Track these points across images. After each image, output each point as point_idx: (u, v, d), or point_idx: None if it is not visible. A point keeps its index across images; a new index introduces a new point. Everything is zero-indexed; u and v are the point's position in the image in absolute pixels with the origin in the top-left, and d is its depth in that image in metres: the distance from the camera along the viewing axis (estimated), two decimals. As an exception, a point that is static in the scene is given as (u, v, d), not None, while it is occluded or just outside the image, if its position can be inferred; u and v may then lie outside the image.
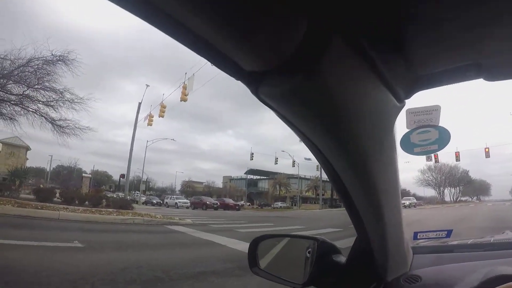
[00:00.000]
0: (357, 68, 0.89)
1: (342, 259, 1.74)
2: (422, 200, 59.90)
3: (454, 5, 0.78)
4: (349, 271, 1.70)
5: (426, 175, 69.23)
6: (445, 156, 64.10)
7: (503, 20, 0.83)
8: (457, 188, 72.84)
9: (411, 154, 1.42)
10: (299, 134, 1.08)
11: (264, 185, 76.85)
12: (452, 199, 69.59)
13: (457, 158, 44.78)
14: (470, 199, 71.23)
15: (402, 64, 0.97)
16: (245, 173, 74.78)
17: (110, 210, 21.30)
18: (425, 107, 1.36)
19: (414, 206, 43.87)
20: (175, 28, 0.72)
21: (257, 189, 76.72)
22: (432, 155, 45.52)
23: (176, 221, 20.84)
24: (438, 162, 51.61)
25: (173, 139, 64.41)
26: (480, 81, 1.13)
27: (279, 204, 61.37)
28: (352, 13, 0.77)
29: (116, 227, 15.92)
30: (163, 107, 34.12)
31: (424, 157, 48.59)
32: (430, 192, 70.96)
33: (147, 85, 40.63)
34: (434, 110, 1.36)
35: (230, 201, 50.35)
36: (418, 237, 2.43)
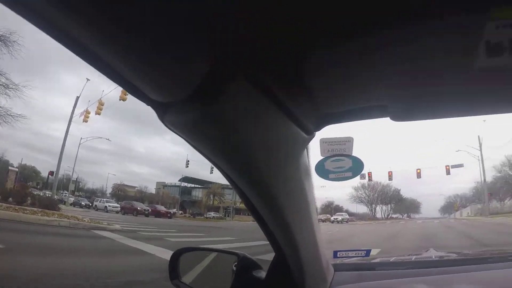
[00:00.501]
0: (261, 104, 0.94)
1: (263, 274, 1.75)
2: (354, 216, 61.38)
3: (352, 53, 0.87)
4: (269, 287, 1.71)
5: (360, 192, 71.15)
6: (379, 175, 66.32)
7: (403, 67, 0.93)
8: (389, 205, 75.20)
9: (326, 179, 1.47)
10: (209, 160, 1.14)
11: (198, 194, 75.96)
12: (383, 216, 71.73)
13: (390, 177, 46.81)
14: (401, 216, 73.59)
15: (308, 102, 1.06)
16: (179, 180, 73.39)
17: (35, 209, 20.35)
18: (339, 138, 1.41)
19: (347, 222, 44.87)
20: (88, 53, 0.73)
21: (190, 198, 75.45)
22: (366, 173, 47.14)
23: (104, 226, 20.15)
24: (372, 180, 53.28)
25: (108, 139, 61.93)
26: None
27: (212, 214, 60.98)
28: (256, 53, 0.81)
29: (40, 229, 15.26)
30: (101, 104, 33.17)
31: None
32: (362, 209, 72.87)
33: (88, 79, 39.19)
34: (347, 141, 1.42)
35: (162, 208, 49.12)
36: (338, 256, 2.46)
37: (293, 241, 1.46)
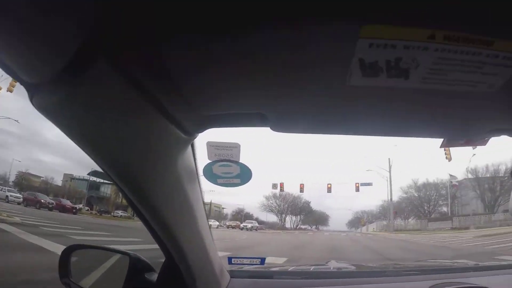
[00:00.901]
0: (130, 96, 0.90)
1: (155, 277, 1.71)
2: (264, 225, 62.73)
3: (222, 56, 0.85)
4: None
5: (271, 201, 72.70)
6: (291, 186, 68.26)
7: (276, 76, 0.93)
8: (299, 216, 77.33)
9: (215, 184, 1.44)
10: (85, 152, 1.06)
11: (107, 190, 72.49)
12: (292, 226, 73.68)
13: (302, 189, 48.52)
14: (310, 228, 76.02)
15: (183, 102, 1.04)
16: (88, 174, 70.27)
17: None
18: (226, 142, 1.39)
19: (256, 230, 45.63)
20: None
21: (98, 194, 72.50)
22: (278, 184, 48.37)
23: (3, 217, 19.01)
24: (283, 191, 54.75)
25: (17, 121, 58.11)
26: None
27: (120, 213, 59.48)
28: (122, 40, 0.77)
29: None
30: (14, 81, 30.88)
31: (270, 184, 51.42)
32: (272, 218, 74.39)
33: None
34: (234, 147, 1.40)
35: (67, 202, 46.85)
36: (232, 262, 2.44)
37: (179, 246, 1.46)
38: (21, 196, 44.20)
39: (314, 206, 77.92)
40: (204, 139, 1.34)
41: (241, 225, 47.54)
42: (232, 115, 1.17)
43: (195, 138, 1.26)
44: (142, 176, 1.14)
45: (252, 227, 46.12)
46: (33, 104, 0.86)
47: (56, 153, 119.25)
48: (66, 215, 36.57)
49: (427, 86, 0.92)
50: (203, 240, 1.58)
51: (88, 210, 58.96)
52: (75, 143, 1.00)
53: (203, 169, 1.41)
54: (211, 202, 67.79)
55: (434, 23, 0.76)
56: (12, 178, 69.80)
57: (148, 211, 1.30)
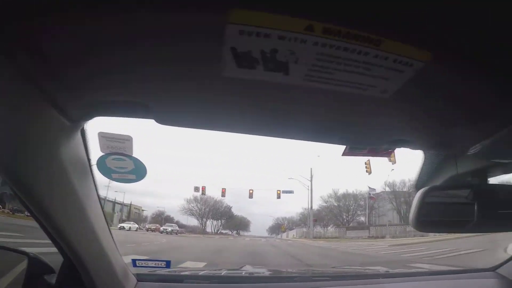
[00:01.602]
0: (5, 78, 0.85)
1: (55, 279, 1.59)
2: (185, 228, 61.65)
3: (95, 33, 0.80)
4: None
5: (192, 204, 71.47)
6: (213, 190, 67.74)
7: (161, 70, 0.91)
8: (220, 221, 76.65)
9: (109, 178, 1.40)
10: None
11: None
12: (213, 231, 72.89)
13: (223, 194, 48.18)
14: (231, 233, 75.47)
15: (67, 86, 0.98)
16: None
17: None
18: (118, 134, 1.35)
19: (176, 233, 44.75)
20: None
21: (11, 191, 67.82)
22: (200, 187, 47.87)
23: None
24: (205, 194, 54.26)
25: None
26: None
27: (34, 212, 56.52)
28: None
29: None
30: None
31: (192, 186, 50.92)
32: (193, 222, 73.33)
33: None
34: (127, 140, 1.36)
35: None
36: (137, 264, 2.40)
37: (72, 245, 1.39)
38: None
39: (236, 211, 77.41)
40: (99, 129, 1.29)
41: (161, 228, 46.38)
42: (116, 103, 1.12)
43: (81, 126, 1.21)
44: (23, 165, 1.07)
45: (172, 230, 45.11)
46: None
47: None
48: (-27, 213, 34.25)
49: (312, 85, 0.89)
50: (100, 239, 1.54)
51: (0, 208, 55.48)
52: None
53: (97, 162, 1.35)
54: (131, 204, 65.79)
55: (312, 14, 0.73)
56: None
57: (35, 206, 1.23)
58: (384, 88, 0.91)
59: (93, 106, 1.12)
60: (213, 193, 61.49)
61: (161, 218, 67.12)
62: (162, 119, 1.16)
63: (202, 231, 67.22)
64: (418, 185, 1.58)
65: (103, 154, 1.35)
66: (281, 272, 3.57)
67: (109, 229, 1.68)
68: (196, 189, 51.07)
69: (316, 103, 1.03)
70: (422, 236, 32.92)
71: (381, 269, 3.53)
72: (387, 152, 1.49)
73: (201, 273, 2.86)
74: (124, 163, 1.38)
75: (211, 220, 74.94)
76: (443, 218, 1.50)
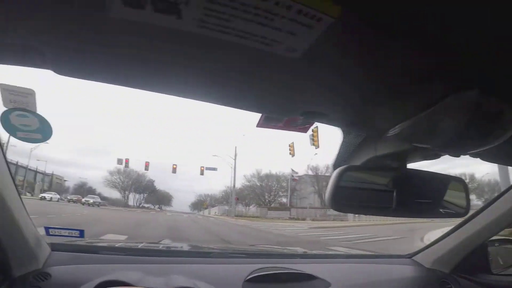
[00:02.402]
0: None
1: None
2: (107, 201, 60.74)
3: None
4: None
5: (115, 177, 70.48)
6: (137, 163, 66.95)
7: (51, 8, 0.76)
8: (142, 195, 76.08)
9: (14, 137, 1.32)
10: None
11: None
12: (135, 204, 72.26)
13: (146, 167, 48.04)
14: (153, 207, 75.14)
15: None
16: None
17: None
18: (19, 87, 1.26)
19: (98, 206, 44.11)
20: None
21: None
22: (124, 160, 47.07)
23: None
24: (128, 167, 53.61)
25: None
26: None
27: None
28: None
29: None
30: None
31: (115, 158, 49.99)
32: (116, 194, 72.23)
33: None
34: (29, 94, 1.26)
35: None
36: (50, 233, 2.33)
37: None
38: None
39: (158, 185, 77.24)
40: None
41: (83, 200, 45.50)
42: (5, 46, 0.94)
43: None
44: None
45: (94, 202, 44.40)
46: None
47: None
48: None
49: (210, 34, 0.78)
50: (9, 207, 1.48)
51: None
52: None
53: (1, 118, 1.26)
54: (53, 173, 64.13)
55: None
56: None
57: None
58: (291, 45, 0.81)
59: None
60: (137, 166, 60.96)
61: (83, 190, 65.79)
62: (60, 69, 1.00)
63: (124, 204, 66.58)
64: (336, 165, 1.57)
65: (7, 109, 1.26)
66: (200, 247, 3.57)
67: (19, 196, 1.62)
68: (119, 161, 50.41)
69: (219, 58, 0.91)
70: (342, 220, 34.24)
71: (299, 250, 3.60)
72: (304, 127, 1.46)
73: (117, 245, 2.80)
74: (28, 120, 1.30)
75: (134, 193, 74.52)
76: (359, 199, 1.49)
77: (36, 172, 59.91)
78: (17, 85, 1.15)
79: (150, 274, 1.85)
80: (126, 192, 72.71)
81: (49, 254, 1.94)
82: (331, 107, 1.22)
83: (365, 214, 1.73)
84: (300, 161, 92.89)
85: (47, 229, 2.35)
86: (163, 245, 3.09)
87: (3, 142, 1.27)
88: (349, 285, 2.29)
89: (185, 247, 3.13)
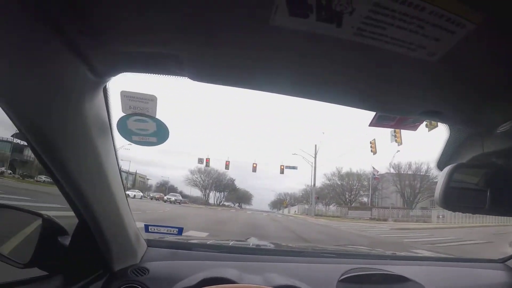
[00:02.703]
0: (29, 27, 0.81)
1: (69, 241, 1.65)
2: (188, 199, 62.24)
3: None
4: (73, 256, 1.63)
5: (195, 176, 71.95)
6: (217, 162, 68.26)
7: (198, 17, 0.83)
8: (222, 193, 77.23)
9: (129, 141, 1.36)
10: None
11: (31, 153, 67.75)
12: (215, 203, 73.50)
13: (227, 166, 48.31)
14: (233, 205, 76.14)
15: (93, 35, 0.92)
16: (12, 136, 66.71)
17: None
18: (141, 93, 1.30)
19: (179, 203, 45.14)
20: None
21: (22, 157, 68.83)
22: (204, 159, 48.12)
23: None
24: (209, 166, 54.58)
25: None
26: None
27: (43, 178, 56.85)
28: None
29: None
30: None
31: (196, 158, 51.28)
32: (196, 192, 73.83)
33: None
34: (150, 100, 1.31)
35: None
36: (149, 230, 2.42)
37: (90, 205, 1.40)
38: None
39: (239, 184, 77.90)
40: (120, 89, 1.25)
41: (165, 197, 46.71)
42: (145, 55, 1.04)
43: (106, 82, 1.16)
44: (46, 119, 1.04)
45: (176, 200, 45.36)
46: None
47: None
48: (-14, 178, 34.66)
49: (361, 40, 0.84)
50: (117, 201, 1.55)
51: (11, 173, 56.24)
52: None
53: (118, 123, 1.31)
54: (136, 172, 66.66)
55: None
56: None
57: (54, 163, 1.22)
58: (433, 50, 0.86)
59: (119, 58, 1.06)
60: (217, 165, 62.05)
61: (165, 188, 67.76)
62: (195, 75, 1.08)
63: (205, 202, 67.78)
64: (440, 163, 1.53)
65: (125, 114, 1.31)
66: (286, 246, 3.58)
67: (125, 192, 1.67)
68: (200, 160, 51.17)
69: (360, 62, 0.96)
70: (425, 222, 33.13)
71: (387, 252, 3.52)
72: (414, 125, 1.43)
73: (208, 242, 2.86)
74: (146, 125, 1.34)
75: (214, 191, 75.58)
76: (471, 198, 1.44)
77: (120, 171, 62.66)
78: (139, 92, 1.20)
79: (246, 272, 1.87)
80: (207, 191, 74.00)
81: (146, 250, 2.02)
82: (449, 105, 1.22)
83: (476, 214, 1.65)
84: (382, 159, 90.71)
85: (146, 226, 2.43)
86: (252, 244, 3.10)
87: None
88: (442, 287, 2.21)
89: (272, 246, 3.14)
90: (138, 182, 69.19)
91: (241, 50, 0.94)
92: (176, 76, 1.12)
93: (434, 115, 1.28)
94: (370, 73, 1.02)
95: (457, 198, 1.40)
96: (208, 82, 1.10)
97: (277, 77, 1.09)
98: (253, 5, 0.78)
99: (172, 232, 2.57)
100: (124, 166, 59.75)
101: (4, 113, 0.96)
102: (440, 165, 1.48)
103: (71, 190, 1.35)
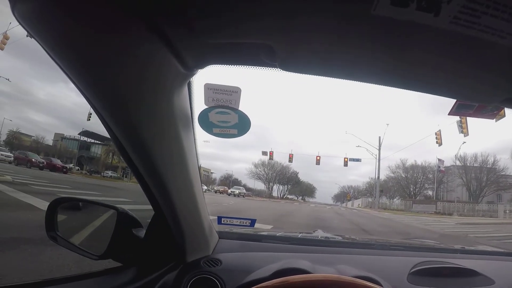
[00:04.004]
0: (123, 15, 0.83)
1: (143, 233, 1.69)
2: (251, 192, 62.84)
3: None
4: (147, 247, 1.67)
5: (259, 169, 72.51)
6: (281, 155, 68.42)
7: (292, 3, 0.79)
8: (286, 186, 77.40)
9: (210, 133, 1.36)
10: (74, 83, 0.99)
11: (97, 150, 71.80)
12: (279, 195, 73.75)
13: (290, 159, 48.33)
14: (296, 198, 76.21)
15: (186, 27, 0.91)
16: (79, 134, 68.26)
17: None
18: (225, 86, 1.29)
19: (243, 196, 45.53)
20: None
21: (89, 154, 70.61)
22: (268, 152, 48.28)
23: (-6, 176, 18.42)
24: (272, 159, 54.79)
25: (8, 79, 56.13)
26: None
27: (110, 173, 58.51)
28: None
29: None
30: (5, 38, 29.77)
31: (260, 151, 51.39)
32: (260, 186, 74.32)
33: (-5, 6, 35.44)
34: (234, 92, 1.30)
35: (58, 162, 45.68)
36: (222, 222, 2.44)
37: (170, 199, 1.43)
38: (12, 155, 44.26)
39: (302, 177, 78.13)
40: (203, 81, 1.25)
41: (229, 191, 47.12)
42: (235, 45, 1.03)
43: (194, 75, 1.16)
44: (134, 110, 1.07)
45: (239, 193, 45.68)
46: (14, 16, 0.80)
47: (47, 113, 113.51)
48: (56, 174, 36.13)
49: (456, 28, 0.81)
50: (195, 194, 1.58)
51: (78, 169, 58.48)
52: (63, 67, 0.93)
53: (199, 116, 1.31)
54: (200, 166, 68.10)
55: None
56: (3, 137, 68.80)
57: (138, 154, 1.26)
58: None
59: (210, 50, 1.06)
60: (281, 158, 62.26)
61: (229, 181, 68.75)
62: (287, 64, 1.03)
63: (268, 195, 68.16)
64: None
65: (207, 107, 1.32)
66: (352, 238, 3.54)
67: (201, 187, 1.70)
68: (264, 153, 51.42)
69: (450, 51, 0.93)
70: (491, 217, 31.88)
71: (456, 246, 3.41)
72: (493, 114, 1.38)
73: (278, 234, 2.88)
74: (228, 117, 1.34)
75: (278, 184, 75.88)
76: None
77: (199, 164, 64.26)
78: (222, 84, 1.21)
79: (317, 263, 1.87)
80: (270, 184, 74.41)
81: (218, 241, 2.05)
82: None
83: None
84: (447, 151, 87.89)
85: (219, 218, 2.45)
86: (321, 236, 3.06)
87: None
88: None
89: (340, 238, 3.12)
90: (202, 175, 70.32)
91: (338, 39, 0.91)
92: (267, 68, 1.10)
93: None
94: (457, 61, 0.98)
95: None
96: (299, 72, 1.09)
97: (370, 68, 1.06)
98: None
99: (244, 224, 2.59)
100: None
101: (71, 113, 0.98)
102: None
103: (154, 183, 1.37)
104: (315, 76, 1.07)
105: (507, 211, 34.00)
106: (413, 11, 0.75)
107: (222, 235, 2.14)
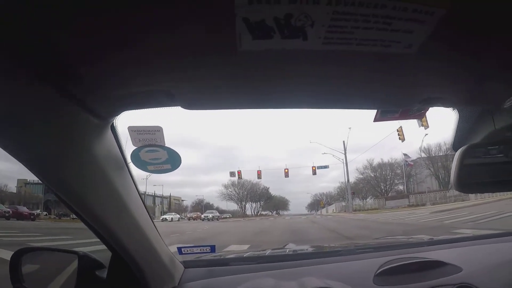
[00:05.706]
0: (29, 83, 0.85)
1: (106, 273, 1.73)
2: (228, 213, 62.32)
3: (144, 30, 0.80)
4: (112, 287, 1.68)
5: (229, 189, 72.02)
6: (249, 173, 68.26)
7: (169, 50, 0.88)
8: (258, 203, 77.05)
9: (145, 171, 1.40)
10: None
11: None
12: (253, 213, 73.36)
13: (259, 176, 48.56)
14: (270, 213, 75.89)
15: (91, 84, 0.97)
16: None
17: None
18: (147, 126, 1.34)
19: (217, 219, 45.31)
20: None
21: (55, 197, 68.80)
22: (236, 172, 48.19)
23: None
24: (241, 178, 54.69)
25: None
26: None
27: (78, 214, 57.54)
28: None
29: None
30: None
31: (227, 172, 51.25)
32: (232, 206, 73.81)
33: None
34: (157, 131, 1.35)
35: (24, 209, 43.44)
36: (183, 252, 2.43)
37: (117, 238, 1.43)
38: (-25, 207, 42.23)
39: (273, 191, 77.70)
40: (127, 124, 1.29)
41: (202, 216, 46.89)
42: (140, 94, 1.10)
43: (111, 122, 1.21)
44: (60, 166, 1.09)
45: (213, 217, 45.63)
46: None
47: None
48: (24, 223, 34.79)
49: (332, 47, 0.84)
50: (145, 231, 1.58)
51: (46, 214, 56.76)
52: None
53: (131, 156, 1.35)
54: (170, 195, 67.12)
55: None
56: (-40, 189, 66.68)
57: (76, 203, 1.26)
58: (408, 42, 0.86)
59: (118, 100, 1.12)
60: (249, 176, 62.02)
61: (201, 206, 68.05)
62: (188, 104, 1.14)
63: (242, 214, 67.67)
64: (455, 145, 1.52)
65: (136, 147, 1.36)
66: (324, 247, 3.56)
67: (152, 221, 1.70)
68: (232, 174, 51.31)
69: (340, 67, 0.98)
70: (463, 200, 32.50)
71: (425, 238, 3.45)
72: (419, 114, 1.42)
73: (245, 255, 2.86)
74: (157, 154, 1.38)
75: (250, 202, 75.33)
76: (486, 178, 1.43)
77: (154, 196, 63.29)
78: (144, 125, 1.25)
79: (283, 279, 1.89)
80: (243, 203, 73.89)
81: (183, 271, 2.05)
82: (446, 90, 1.23)
83: (493, 192, 1.64)
84: (412, 145, 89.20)
85: (179, 249, 2.44)
86: (289, 250, 3.08)
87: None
88: (482, 267, 2.15)
89: (310, 249, 3.13)
90: (173, 204, 69.76)
91: (221, 77, 1.00)
92: (170, 107, 1.17)
93: (435, 101, 1.28)
94: (356, 75, 1.04)
95: (474, 177, 1.40)
96: (198, 109, 1.18)
97: (261, 95, 1.13)
98: (220, 37, 0.82)
99: (206, 251, 2.59)
100: (158, 190, 60.19)
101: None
102: (455, 147, 1.47)
103: (99, 227, 1.37)
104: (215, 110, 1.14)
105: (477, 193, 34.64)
106: (280, 40, 0.80)
107: (188, 265, 2.14)
